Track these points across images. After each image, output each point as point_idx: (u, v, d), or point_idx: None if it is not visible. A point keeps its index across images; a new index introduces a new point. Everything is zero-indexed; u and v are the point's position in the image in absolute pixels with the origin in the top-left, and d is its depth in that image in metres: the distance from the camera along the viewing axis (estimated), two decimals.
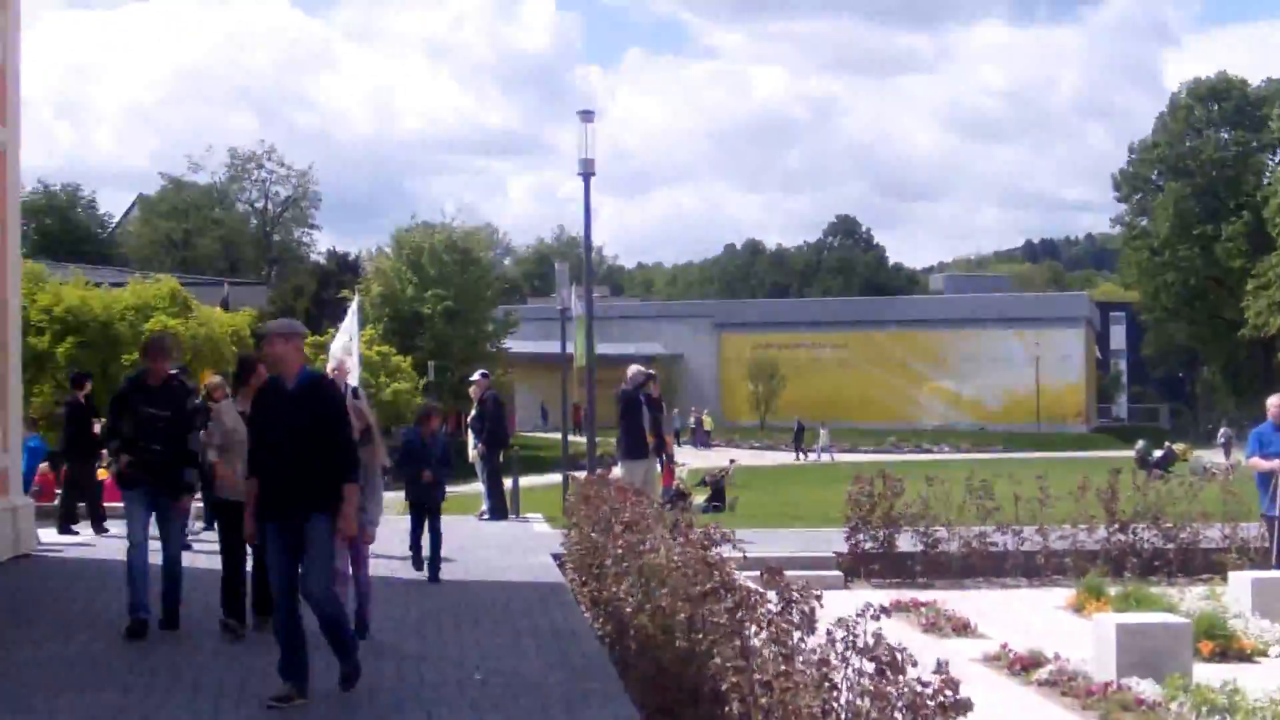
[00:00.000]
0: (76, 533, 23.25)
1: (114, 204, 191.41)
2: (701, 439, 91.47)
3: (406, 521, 19.28)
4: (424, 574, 18.67)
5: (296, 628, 11.51)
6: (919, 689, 6.62)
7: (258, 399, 12.20)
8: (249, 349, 34.22)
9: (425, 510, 18.71)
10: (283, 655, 11.49)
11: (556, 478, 37.63)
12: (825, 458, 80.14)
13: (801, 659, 7.72)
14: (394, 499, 20.71)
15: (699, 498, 35.93)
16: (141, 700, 11.65)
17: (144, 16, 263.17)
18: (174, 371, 15.61)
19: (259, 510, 11.66)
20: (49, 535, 22.70)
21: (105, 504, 23.79)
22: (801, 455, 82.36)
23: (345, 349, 26.72)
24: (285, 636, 11.52)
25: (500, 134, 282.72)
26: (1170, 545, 22.98)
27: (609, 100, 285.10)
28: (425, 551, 18.77)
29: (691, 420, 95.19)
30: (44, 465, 28.63)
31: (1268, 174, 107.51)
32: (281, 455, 11.44)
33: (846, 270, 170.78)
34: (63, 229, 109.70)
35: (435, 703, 11.54)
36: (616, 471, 22.96)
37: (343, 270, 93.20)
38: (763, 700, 8.07)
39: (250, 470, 11.89)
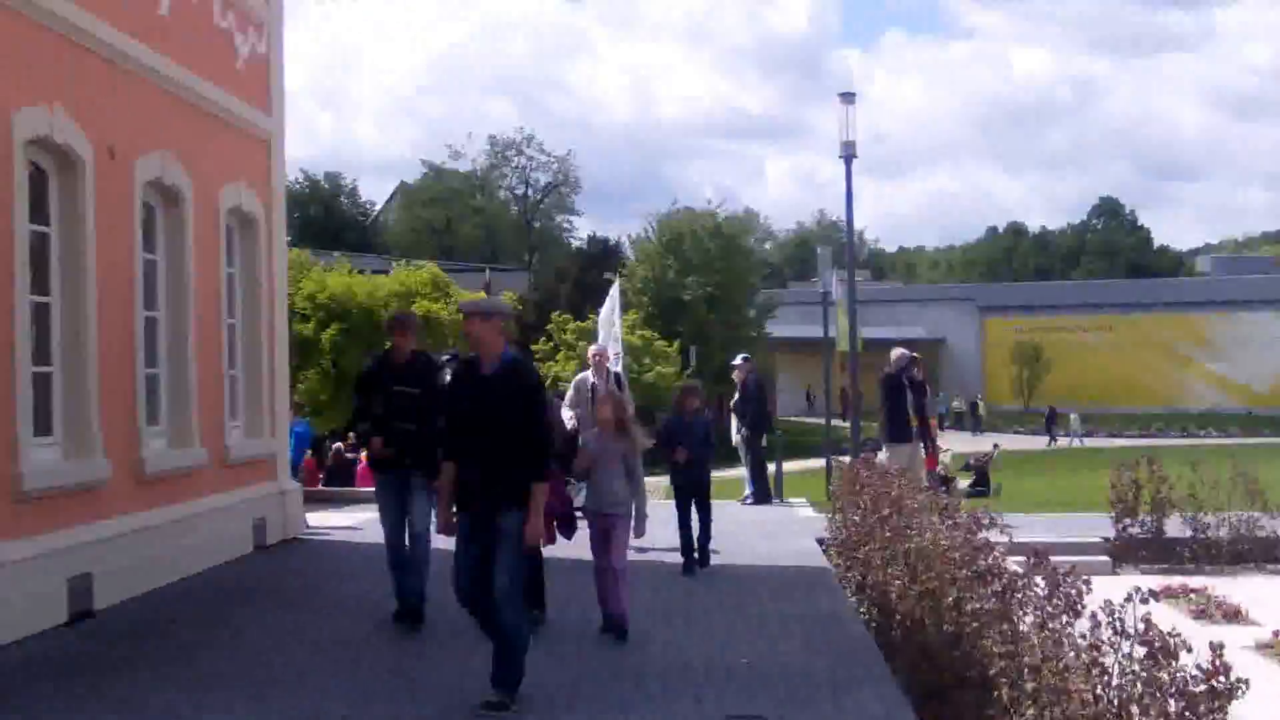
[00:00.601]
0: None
1: (375, 192, 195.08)
2: (975, 423, 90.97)
3: (667, 508, 19.03)
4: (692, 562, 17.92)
5: (488, 621, 10.90)
6: (1191, 674, 6.60)
7: (453, 381, 11.67)
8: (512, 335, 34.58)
9: (690, 495, 18.05)
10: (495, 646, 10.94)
11: (821, 462, 37.58)
12: (1075, 443, 79.31)
13: (1070, 643, 7.71)
14: (654, 483, 20.63)
15: (963, 482, 35.79)
16: (409, 684, 11.83)
17: (402, 5, 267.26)
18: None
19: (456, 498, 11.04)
20: (316, 519, 23.32)
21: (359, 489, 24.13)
22: (1053, 440, 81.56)
23: (608, 331, 26.93)
24: (487, 632, 11.00)
25: (758, 118, 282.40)
26: None
27: (867, 82, 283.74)
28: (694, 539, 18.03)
29: (957, 404, 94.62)
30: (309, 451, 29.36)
31: None
32: (473, 442, 10.78)
33: (1111, 252, 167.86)
34: (326, 217, 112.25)
35: (702, 687, 11.61)
36: (880, 455, 22.91)
37: (605, 255, 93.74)
38: (1031, 684, 8.08)
39: (444, 454, 11.23)
